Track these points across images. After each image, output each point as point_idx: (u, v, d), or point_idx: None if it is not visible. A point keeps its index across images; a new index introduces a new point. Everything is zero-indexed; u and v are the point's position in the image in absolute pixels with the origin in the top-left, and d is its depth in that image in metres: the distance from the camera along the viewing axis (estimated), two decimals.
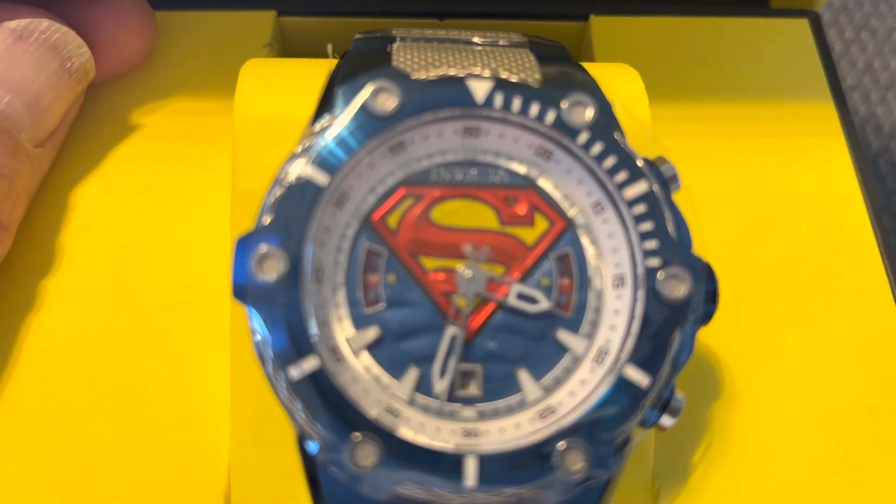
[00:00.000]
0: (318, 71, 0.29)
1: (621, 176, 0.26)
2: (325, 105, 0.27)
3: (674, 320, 0.26)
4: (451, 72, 0.26)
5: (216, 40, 0.38)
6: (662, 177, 0.27)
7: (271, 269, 0.25)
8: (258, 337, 0.25)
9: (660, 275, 0.26)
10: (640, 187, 0.26)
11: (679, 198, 0.27)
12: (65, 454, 0.30)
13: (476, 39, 0.29)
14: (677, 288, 0.26)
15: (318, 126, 0.26)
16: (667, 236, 0.26)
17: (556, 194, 0.27)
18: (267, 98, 0.31)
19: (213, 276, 0.32)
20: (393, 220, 0.27)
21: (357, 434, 0.24)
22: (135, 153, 0.35)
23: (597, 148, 0.26)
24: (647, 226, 0.26)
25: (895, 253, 0.35)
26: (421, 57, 0.27)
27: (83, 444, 0.30)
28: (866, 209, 0.35)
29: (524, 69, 0.27)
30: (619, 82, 0.32)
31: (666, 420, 0.27)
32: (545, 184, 0.27)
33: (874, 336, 0.33)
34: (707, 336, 0.32)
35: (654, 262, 0.26)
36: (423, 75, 0.26)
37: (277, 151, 0.27)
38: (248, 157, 0.30)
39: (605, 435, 0.25)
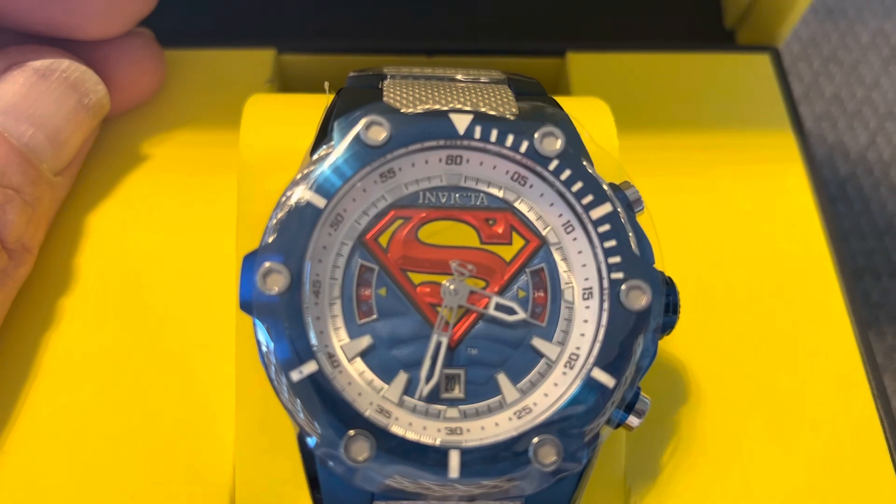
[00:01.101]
0: (316, 105, 0.32)
1: (588, 198, 0.29)
2: (323, 136, 0.30)
3: (636, 328, 0.29)
4: (436, 106, 0.29)
5: (220, 76, 0.40)
6: (627, 199, 0.30)
7: (274, 284, 0.28)
8: (263, 345, 0.28)
9: (623, 287, 0.29)
10: (604, 208, 0.29)
11: (642, 219, 0.31)
12: (80, 456, 0.32)
13: (459, 76, 0.32)
14: (639, 299, 0.29)
15: (316, 155, 0.29)
16: (629, 252, 0.29)
17: (531, 216, 0.30)
18: (270, 130, 0.33)
19: (219, 294, 0.34)
20: (384, 240, 0.29)
21: (352, 431, 0.27)
22: (145, 181, 0.37)
23: (566, 174, 0.29)
24: (611, 243, 0.29)
25: (849, 269, 0.38)
26: (409, 93, 0.30)
27: (98, 448, 0.32)
28: (822, 229, 0.38)
29: (502, 104, 0.30)
30: (590, 114, 0.35)
31: (633, 420, 0.29)
32: (521, 206, 0.30)
33: (828, 343, 0.36)
34: (674, 346, 0.35)
35: (618, 275, 0.29)
36: (410, 109, 0.29)
37: (279, 178, 0.30)
38: (253, 183, 0.32)
39: (575, 431, 0.28)
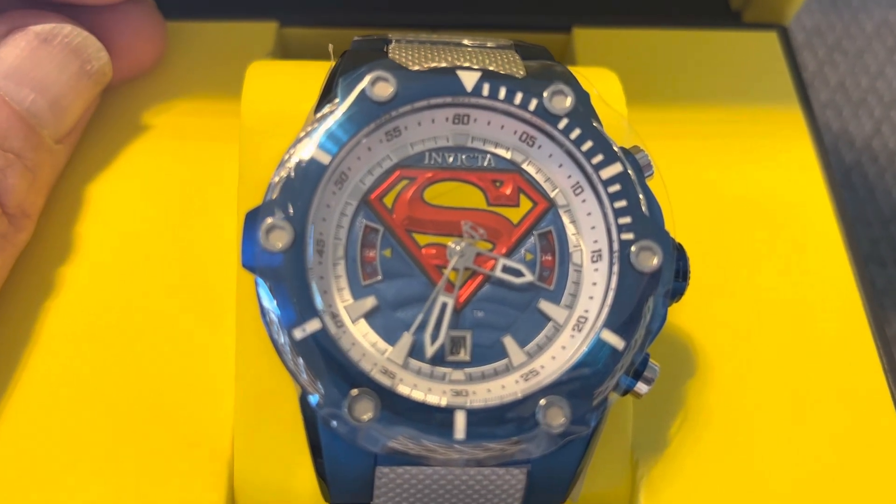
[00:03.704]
0: (318, 72, 0.31)
1: (598, 158, 0.29)
2: (327, 95, 0.29)
3: (647, 290, 0.28)
4: (443, 64, 0.29)
5: (221, 48, 0.40)
6: (637, 163, 0.29)
7: (277, 241, 0.27)
8: (265, 304, 0.27)
9: (633, 248, 0.28)
10: (615, 168, 0.29)
11: (653, 185, 0.30)
12: (78, 423, 0.32)
13: (466, 42, 0.31)
14: (649, 259, 0.28)
15: (320, 113, 0.28)
16: (640, 213, 0.28)
17: (539, 177, 0.29)
18: (272, 94, 0.33)
19: (220, 259, 0.34)
20: (389, 200, 0.29)
21: (356, 390, 0.26)
22: (146, 150, 0.37)
23: (575, 133, 0.29)
24: (621, 203, 0.28)
25: (857, 244, 0.38)
26: (416, 53, 0.30)
27: (95, 415, 0.32)
28: (829, 199, 0.38)
29: (509, 64, 0.30)
30: (598, 83, 0.35)
31: (641, 387, 0.29)
32: (529, 168, 0.29)
33: (838, 318, 0.35)
34: (683, 319, 0.35)
35: (628, 236, 0.28)
36: (417, 67, 0.29)
37: (281, 142, 0.29)
38: (254, 146, 0.32)
39: (584, 393, 0.27)
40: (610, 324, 0.28)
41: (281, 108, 0.33)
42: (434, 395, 0.27)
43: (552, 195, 0.29)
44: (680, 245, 0.30)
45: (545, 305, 0.29)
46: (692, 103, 0.41)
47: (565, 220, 0.29)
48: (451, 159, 0.29)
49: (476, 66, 0.29)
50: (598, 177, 0.29)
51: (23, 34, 0.34)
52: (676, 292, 0.29)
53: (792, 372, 0.34)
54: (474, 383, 0.28)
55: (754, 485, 0.32)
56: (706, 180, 0.38)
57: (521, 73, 0.29)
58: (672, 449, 0.33)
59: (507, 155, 0.29)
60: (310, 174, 0.28)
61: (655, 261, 0.28)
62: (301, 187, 0.27)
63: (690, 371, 0.34)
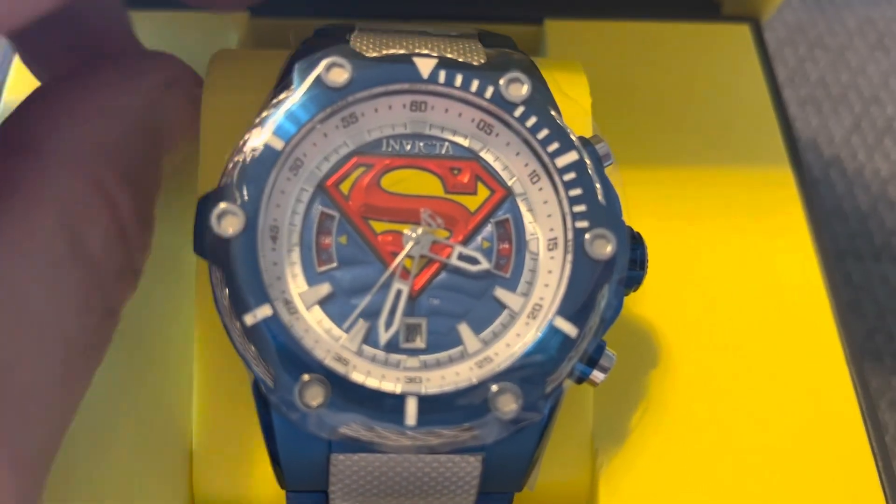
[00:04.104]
0: (282, 59, 0.32)
1: (554, 146, 0.28)
2: (283, 81, 0.29)
3: (600, 278, 0.28)
4: (401, 51, 0.29)
5: (190, 39, 0.40)
6: (596, 153, 0.29)
7: (229, 226, 0.27)
8: (217, 290, 0.27)
9: (587, 235, 0.28)
10: (571, 157, 0.28)
11: (612, 177, 0.30)
12: None
13: (430, 30, 0.31)
14: (603, 247, 0.28)
15: (275, 100, 0.28)
16: (595, 202, 0.28)
17: (496, 165, 0.29)
18: (235, 81, 0.33)
19: (180, 244, 0.34)
20: (345, 187, 0.29)
21: (306, 376, 0.26)
22: None
23: (532, 121, 0.28)
24: (576, 192, 0.28)
25: (824, 242, 0.38)
26: (375, 41, 0.30)
27: None
28: (797, 192, 0.38)
29: (469, 52, 0.30)
30: (562, 74, 0.35)
31: (597, 375, 0.29)
32: (486, 156, 0.29)
33: (803, 310, 0.35)
34: (644, 309, 0.35)
35: (583, 224, 0.28)
36: (374, 54, 0.29)
37: (243, 128, 0.29)
38: (215, 135, 0.32)
39: (536, 379, 0.27)
40: (563, 311, 0.28)
41: (243, 96, 0.32)
42: (388, 381, 0.27)
43: (510, 183, 0.29)
44: (638, 234, 0.30)
45: (501, 293, 0.29)
46: (662, 97, 0.41)
47: (522, 208, 0.29)
48: (408, 146, 0.29)
49: (434, 54, 0.29)
50: (554, 165, 0.28)
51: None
52: (633, 281, 0.29)
53: (755, 364, 0.34)
54: (429, 370, 0.28)
55: (715, 474, 0.32)
56: (672, 171, 0.38)
57: (481, 60, 0.29)
58: (633, 439, 0.33)
59: (465, 143, 0.29)
60: (264, 160, 0.27)
61: (609, 248, 0.28)
62: (254, 173, 0.27)
63: (653, 362, 0.34)
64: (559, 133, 0.29)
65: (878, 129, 0.56)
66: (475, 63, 0.29)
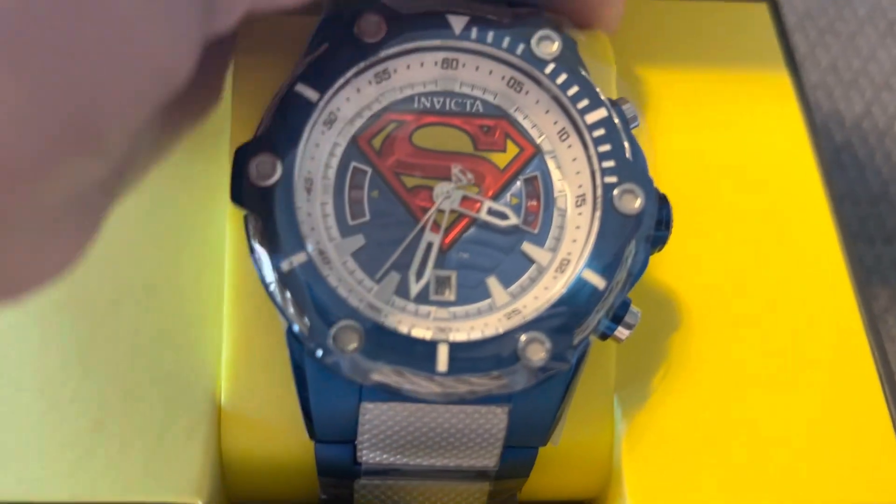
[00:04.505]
0: (313, 24, 0.32)
1: (583, 103, 0.29)
2: (318, 36, 0.30)
3: (629, 232, 0.28)
4: (434, 7, 0.29)
5: None
6: (623, 114, 0.30)
7: (267, 176, 0.27)
8: (253, 237, 0.28)
9: (616, 191, 0.29)
10: (600, 113, 0.29)
11: (640, 138, 0.30)
12: (67, 356, 0.32)
13: None
14: (632, 202, 0.29)
15: (310, 56, 0.29)
16: (623, 158, 0.29)
17: (525, 123, 0.30)
18: (267, 38, 0.32)
19: (212, 194, 0.34)
20: (377, 142, 0.29)
21: (341, 321, 0.27)
22: None
23: (562, 77, 0.29)
24: (605, 148, 0.29)
25: (843, 213, 0.38)
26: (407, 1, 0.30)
27: (87, 348, 0.32)
28: (815, 161, 0.38)
29: (499, 12, 0.30)
30: (587, 42, 0.35)
31: (622, 331, 0.29)
32: (516, 114, 0.30)
33: (822, 273, 0.36)
34: (666, 272, 0.35)
35: (612, 179, 0.29)
36: (406, 10, 0.29)
37: (275, 77, 0.29)
38: (247, 82, 0.32)
39: (564, 329, 0.28)
40: (591, 264, 0.28)
41: (275, 57, 0.33)
42: (418, 330, 0.28)
43: (538, 141, 0.30)
44: (663, 195, 0.30)
45: (529, 248, 0.29)
46: (681, 69, 0.41)
47: (551, 165, 0.30)
48: (439, 104, 0.30)
49: (466, 11, 0.30)
50: (584, 121, 0.29)
51: None
52: (658, 241, 0.30)
53: (776, 330, 0.35)
54: (458, 321, 0.28)
55: (735, 436, 0.33)
56: (693, 142, 0.38)
57: (511, 18, 0.30)
58: (654, 399, 0.33)
59: (495, 101, 0.30)
60: (299, 112, 0.28)
61: (638, 203, 0.29)
62: (291, 124, 0.28)
63: (674, 324, 0.35)
64: (588, 90, 0.29)
65: (889, 115, 0.56)
66: (505, 20, 0.30)
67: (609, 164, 0.29)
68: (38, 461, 0.30)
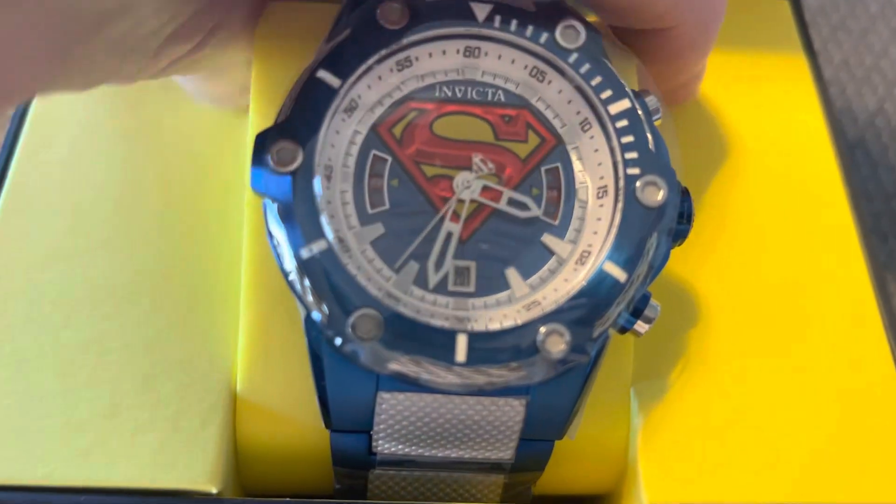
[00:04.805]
0: (334, 11, 0.31)
1: (607, 93, 0.29)
2: (340, 24, 0.29)
3: (650, 225, 0.28)
4: None
5: None
6: (646, 105, 0.30)
7: (287, 163, 0.27)
8: (272, 227, 0.27)
9: (638, 183, 0.28)
10: (623, 104, 0.29)
11: (663, 129, 0.30)
12: (83, 339, 0.32)
13: None
14: (654, 194, 0.28)
15: (332, 42, 0.29)
16: (646, 149, 0.29)
17: (548, 113, 0.29)
18: (288, 24, 0.32)
19: (231, 176, 0.34)
20: (398, 130, 0.29)
21: (360, 309, 0.27)
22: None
23: (585, 67, 0.29)
24: (628, 139, 0.29)
25: (862, 213, 0.38)
26: None
27: (102, 331, 0.32)
28: (832, 147, 0.39)
29: (522, 1, 0.30)
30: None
31: (641, 325, 0.29)
32: (538, 104, 0.29)
33: (839, 269, 0.36)
34: (685, 266, 0.35)
35: (634, 171, 0.28)
36: None
37: (295, 66, 0.29)
38: (268, 65, 0.32)
39: (584, 322, 0.27)
40: (613, 256, 0.28)
41: (295, 44, 0.32)
42: (437, 319, 0.27)
43: (560, 131, 0.29)
44: (685, 189, 0.30)
45: (549, 239, 0.29)
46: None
47: (573, 156, 0.29)
48: (461, 93, 0.29)
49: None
50: (607, 112, 0.29)
51: None
52: (679, 235, 0.29)
53: (795, 327, 0.35)
54: (477, 311, 0.28)
55: (752, 431, 0.32)
56: (712, 135, 0.38)
57: (534, 6, 0.29)
58: (672, 394, 0.33)
59: (517, 90, 0.30)
60: (320, 98, 0.28)
61: (660, 195, 0.28)
62: (312, 110, 0.28)
63: (691, 319, 0.34)
64: (612, 80, 0.29)
65: None
66: (529, 9, 0.29)
67: (632, 155, 0.28)
68: (53, 445, 0.30)
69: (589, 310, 0.28)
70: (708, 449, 0.32)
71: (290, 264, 0.27)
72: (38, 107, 0.38)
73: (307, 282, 0.27)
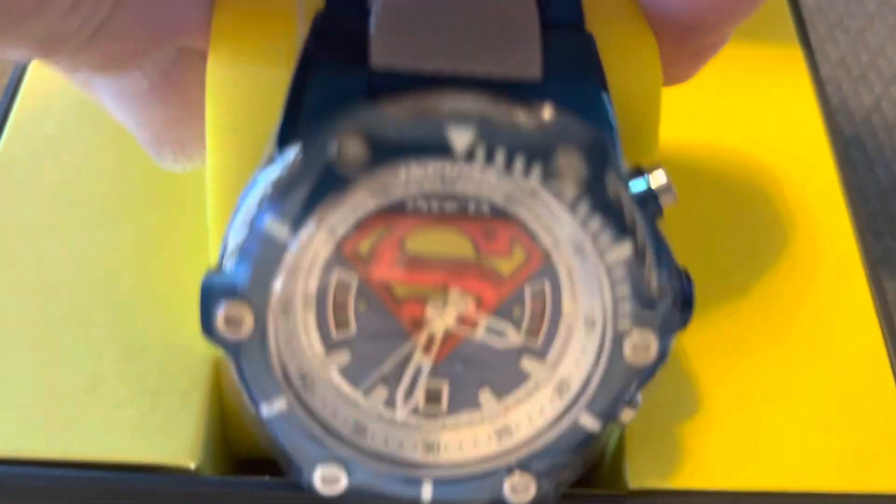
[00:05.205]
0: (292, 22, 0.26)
1: (605, 239, 0.24)
2: (290, 122, 0.24)
3: (636, 383, 0.24)
4: (431, 110, 0.23)
5: None
6: (657, 199, 0.24)
7: (237, 330, 0.23)
8: (234, 375, 0.24)
9: (628, 340, 0.24)
10: (623, 251, 0.24)
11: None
12: (64, 317, 0.30)
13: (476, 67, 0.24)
14: (643, 354, 0.24)
15: (284, 154, 0.23)
16: (642, 297, 0.23)
17: (536, 228, 0.24)
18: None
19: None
20: (365, 249, 0.24)
21: (322, 466, 0.24)
22: None
23: (583, 210, 0.23)
24: (624, 291, 0.23)
25: (858, 209, 0.37)
26: (404, 42, 0.24)
27: (76, 318, 0.30)
28: (825, 137, 0.36)
29: (519, 112, 0.23)
30: (632, 51, 0.29)
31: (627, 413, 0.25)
32: (526, 216, 0.24)
33: (837, 269, 0.33)
34: (678, 259, 0.34)
35: (625, 325, 0.24)
36: (397, 115, 0.23)
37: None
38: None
39: (551, 473, 0.24)
40: (591, 407, 0.24)
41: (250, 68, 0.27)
42: (406, 449, 0.24)
43: (549, 249, 0.24)
44: (686, 272, 0.25)
45: (528, 363, 0.25)
46: None
47: (562, 276, 0.24)
48: (437, 206, 0.24)
49: (472, 114, 0.23)
50: (603, 259, 0.24)
51: None
52: (680, 324, 0.25)
53: (789, 321, 0.32)
54: (448, 432, 0.25)
55: (740, 420, 0.30)
56: (710, 124, 0.36)
57: (532, 123, 0.23)
58: (656, 380, 0.31)
59: (502, 203, 0.24)
60: (269, 251, 0.23)
61: (651, 354, 0.24)
62: (261, 264, 0.23)
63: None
64: (615, 219, 0.23)
65: None
66: (524, 126, 0.23)
67: (625, 308, 0.23)
68: (31, 417, 0.27)
69: (559, 461, 0.24)
70: (694, 435, 0.28)
71: (253, 416, 0.24)
72: (29, 82, 0.34)
73: (270, 437, 0.24)
